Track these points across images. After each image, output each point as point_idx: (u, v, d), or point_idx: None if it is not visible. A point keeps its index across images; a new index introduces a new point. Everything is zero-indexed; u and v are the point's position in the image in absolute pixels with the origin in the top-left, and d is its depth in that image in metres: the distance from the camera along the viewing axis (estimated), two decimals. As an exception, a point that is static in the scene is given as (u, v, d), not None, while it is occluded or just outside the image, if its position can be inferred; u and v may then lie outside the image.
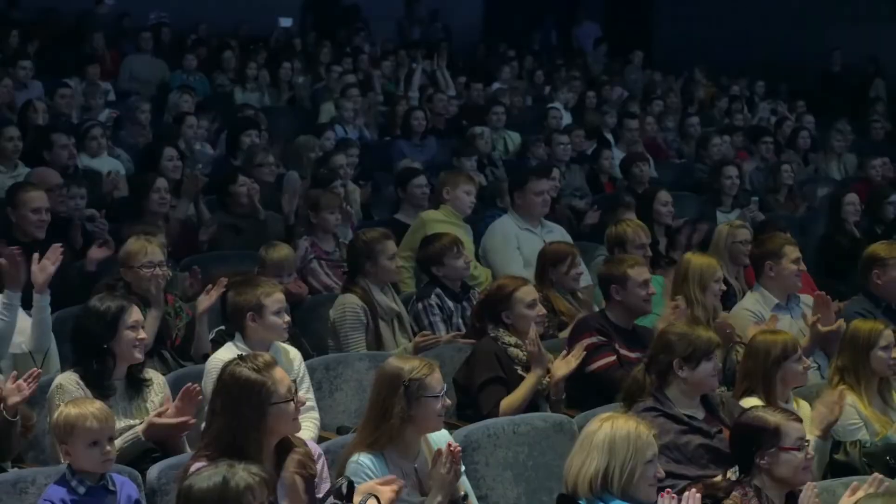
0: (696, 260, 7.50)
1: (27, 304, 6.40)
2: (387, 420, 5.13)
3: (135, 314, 5.79)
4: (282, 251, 7.80)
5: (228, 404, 4.84)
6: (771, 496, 5.11)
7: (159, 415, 5.60)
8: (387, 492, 4.73)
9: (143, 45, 15.25)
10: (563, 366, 6.62)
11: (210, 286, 6.86)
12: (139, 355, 5.77)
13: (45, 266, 6.36)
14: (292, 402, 4.90)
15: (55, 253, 6.40)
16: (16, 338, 6.38)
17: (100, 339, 5.69)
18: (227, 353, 6.11)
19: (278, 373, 4.93)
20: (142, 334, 5.80)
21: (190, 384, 5.62)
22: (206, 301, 6.82)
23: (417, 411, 5.15)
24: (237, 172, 9.31)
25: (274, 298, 6.26)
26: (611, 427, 4.98)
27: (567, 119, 14.40)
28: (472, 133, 12.34)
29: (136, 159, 10.71)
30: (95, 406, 4.92)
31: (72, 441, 4.82)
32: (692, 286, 7.33)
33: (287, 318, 6.31)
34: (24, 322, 6.41)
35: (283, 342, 6.35)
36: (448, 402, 5.29)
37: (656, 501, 4.88)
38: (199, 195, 9.33)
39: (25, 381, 5.34)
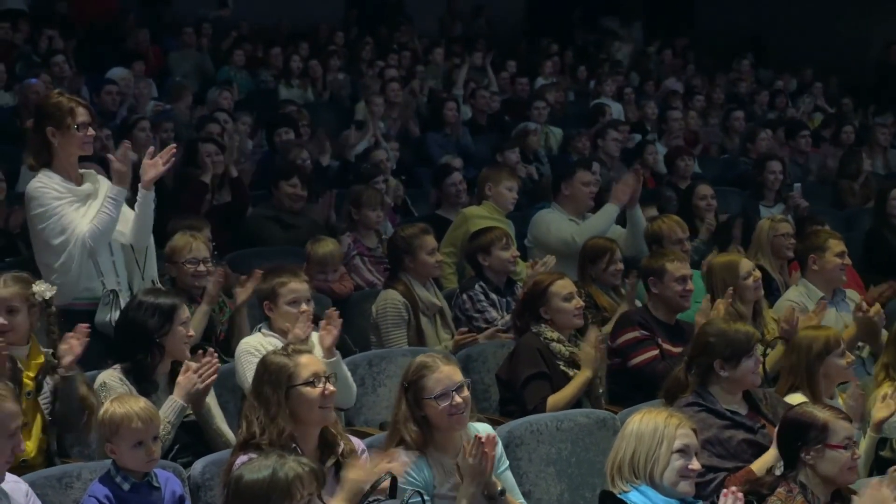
0: (715, 263, 7.49)
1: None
2: (398, 421, 5.17)
3: (186, 311, 5.82)
4: (327, 246, 7.83)
5: (257, 388, 4.97)
6: (816, 493, 5.08)
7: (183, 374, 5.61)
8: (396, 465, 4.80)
9: (186, 41, 15.30)
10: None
11: (244, 278, 6.89)
12: (188, 353, 5.78)
13: (157, 163, 6.44)
14: (315, 388, 4.93)
15: (169, 153, 6.48)
16: (118, 227, 6.47)
17: (153, 332, 5.68)
18: (255, 339, 6.23)
19: (305, 358, 5.00)
20: (191, 331, 5.84)
21: (209, 350, 5.71)
22: (242, 293, 6.86)
23: (426, 412, 5.15)
24: (293, 172, 9.24)
25: (288, 288, 6.26)
26: (641, 418, 5.01)
27: (614, 113, 14.35)
28: (525, 129, 12.36)
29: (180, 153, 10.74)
30: (140, 405, 4.90)
31: (116, 440, 4.82)
32: (719, 291, 7.28)
33: (304, 308, 6.24)
34: (127, 214, 6.52)
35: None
36: (464, 396, 5.16)
37: (693, 494, 4.92)
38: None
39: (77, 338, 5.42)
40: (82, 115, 6.43)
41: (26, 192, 6.50)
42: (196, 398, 5.59)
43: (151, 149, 6.53)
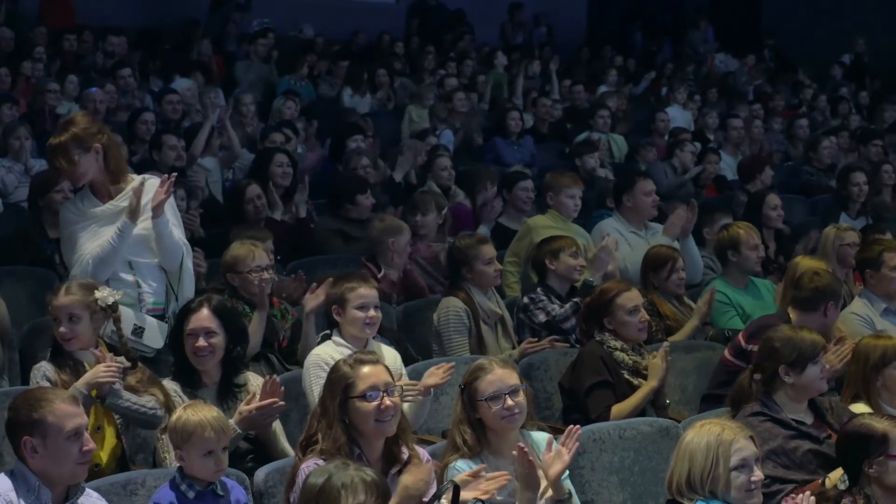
0: (804, 263, 7.41)
1: None
2: (455, 424, 5.22)
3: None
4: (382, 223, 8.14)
5: (322, 397, 5.04)
6: (881, 504, 5.03)
7: (247, 404, 5.56)
8: (489, 485, 4.78)
9: (259, 51, 15.38)
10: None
11: (315, 285, 6.89)
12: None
13: (158, 195, 6.44)
14: (369, 402, 4.91)
15: (168, 182, 6.48)
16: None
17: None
18: (325, 348, 6.21)
19: (367, 369, 4.99)
20: None
21: (271, 376, 5.69)
22: (312, 300, 6.79)
23: (480, 414, 5.19)
24: (366, 185, 9.27)
25: (357, 294, 6.23)
26: (694, 435, 4.96)
27: (681, 122, 14.29)
28: (591, 139, 12.37)
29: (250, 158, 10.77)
30: (213, 414, 4.90)
31: (187, 448, 4.83)
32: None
33: (373, 313, 6.25)
34: None
35: (369, 337, 6.29)
36: (517, 400, 5.19)
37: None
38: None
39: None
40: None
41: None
42: (255, 428, 5.59)
43: (165, 177, 6.54)
